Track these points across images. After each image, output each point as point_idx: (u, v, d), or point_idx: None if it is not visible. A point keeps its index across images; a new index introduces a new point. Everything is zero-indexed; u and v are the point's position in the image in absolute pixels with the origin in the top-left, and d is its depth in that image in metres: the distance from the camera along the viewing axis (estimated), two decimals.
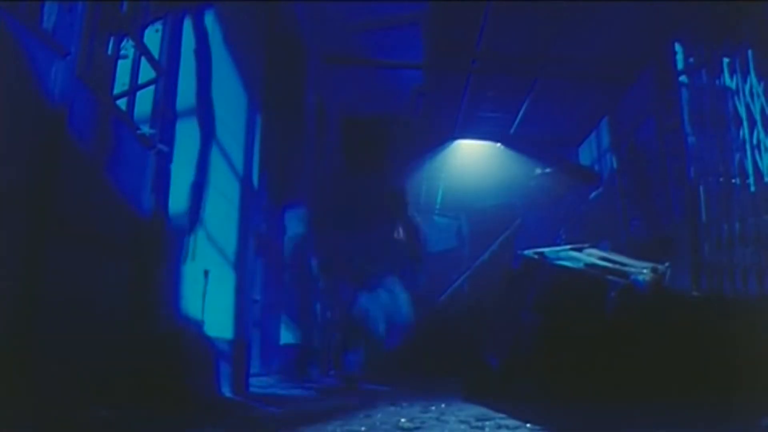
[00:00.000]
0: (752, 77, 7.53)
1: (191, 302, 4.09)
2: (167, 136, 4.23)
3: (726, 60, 7.97)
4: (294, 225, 8.23)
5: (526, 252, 5.86)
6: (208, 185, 4.38)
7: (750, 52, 7.57)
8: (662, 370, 4.53)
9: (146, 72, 4.23)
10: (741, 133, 7.64)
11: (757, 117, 7.43)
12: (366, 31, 9.34)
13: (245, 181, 5.43)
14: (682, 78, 8.62)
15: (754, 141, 7.46)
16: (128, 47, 4.12)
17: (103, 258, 3.60)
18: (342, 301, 10.03)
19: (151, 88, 4.29)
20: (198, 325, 4.13)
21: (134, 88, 4.11)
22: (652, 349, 4.69)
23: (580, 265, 5.55)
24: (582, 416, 3.78)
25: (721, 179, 7.78)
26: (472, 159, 14.15)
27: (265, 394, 5.24)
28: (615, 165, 11.88)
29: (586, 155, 13.84)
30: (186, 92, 4.37)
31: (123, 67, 4.05)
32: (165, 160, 4.20)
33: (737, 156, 7.63)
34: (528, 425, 3.16)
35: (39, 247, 2.78)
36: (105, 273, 3.60)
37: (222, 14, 4.72)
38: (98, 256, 3.53)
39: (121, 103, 3.99)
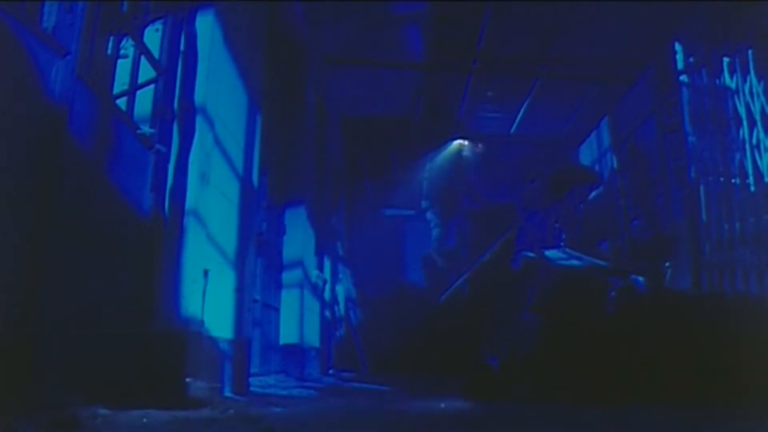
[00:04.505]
0: (752, 77, 7.52)
1: (191, 302, 4.09)
2: (165, 136, 4.23)
3: (726, 60, 7.96)
4: None
5: (526, 252, 5.86)
6: (208, 185, 4.37)
7: (750, 52, 7.56)
8: (662, 370, 4.53)
9: (146, 72, 4.22)
10: (741, 133, 7.63)
11: (757, 117, 7.43)
12: (366, 31, 9.34)
13: (245, 181, 5.42)
14: (682, 78, 8.62)
15: (754, 141, 7.46)
16: (128, 47, 4.12)
17: (103, 257, 3.60)
18: None
19: (151, 87, 4.28)
20: (198, 325, 4.12)
21: (134, 87, 4.11)
22: (652, 349, 4.69)
23: (580, 265, 5.55)
24: (582, 417, 3.77)
25: (721, 179, 7.78)
26: (472, 159, 14.15)
27: (266, 394, 5.24)
28: (615, 165, 11.88)
29: (586, 155, 13.84)
30: (185, 92, 4.36)
31: (123, 67, 4.05)
32: (163, 161, 4.20)
33: (737, 156, 7.62)
34: (528, 425, 3.16)
35: (39, 246, 2.78)
36: (105, 272, 3.60)
37: (222, 14, 4.71)
38: (98, 255, 3.53)
39: (121, 102, 3.98)
